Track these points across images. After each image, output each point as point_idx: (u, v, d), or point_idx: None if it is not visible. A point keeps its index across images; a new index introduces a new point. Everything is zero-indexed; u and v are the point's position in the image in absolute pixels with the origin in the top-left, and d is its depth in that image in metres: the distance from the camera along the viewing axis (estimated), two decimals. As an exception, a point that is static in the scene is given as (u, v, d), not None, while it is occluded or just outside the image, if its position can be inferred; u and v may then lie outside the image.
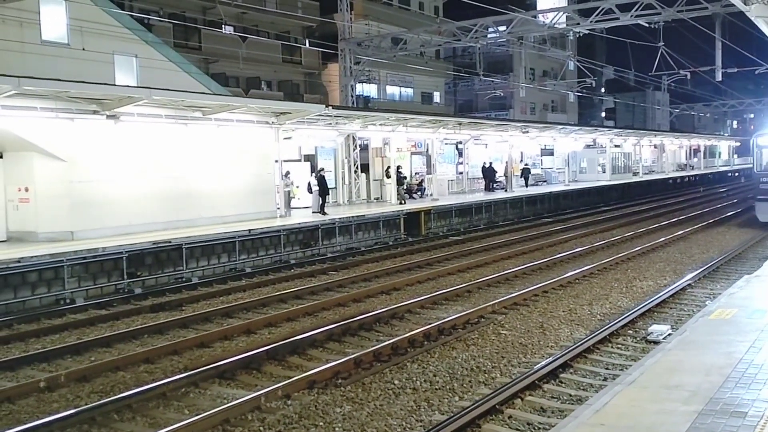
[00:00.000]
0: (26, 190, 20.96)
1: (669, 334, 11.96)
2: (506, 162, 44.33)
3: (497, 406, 9.36)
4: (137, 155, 22.45)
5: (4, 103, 18.65)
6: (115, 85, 26.19)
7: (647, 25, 32.31)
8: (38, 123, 19.96)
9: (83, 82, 20.63)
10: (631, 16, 31.87)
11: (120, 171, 21.94)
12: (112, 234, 20.88)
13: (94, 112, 20.98)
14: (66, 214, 20.77)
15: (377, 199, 36.66)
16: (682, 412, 6.17)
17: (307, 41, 45.88)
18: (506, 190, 42.51)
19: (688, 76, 45.31)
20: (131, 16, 32.74)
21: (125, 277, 19.00)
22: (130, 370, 11.85)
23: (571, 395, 9.90)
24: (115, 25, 29.72)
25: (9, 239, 21.07)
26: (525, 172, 48.32)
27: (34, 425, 9.06)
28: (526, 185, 47.33)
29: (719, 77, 35.71)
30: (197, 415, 9.34)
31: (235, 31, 35.30)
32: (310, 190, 29.59)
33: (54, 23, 27.70)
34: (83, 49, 27.05)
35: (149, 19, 37.33)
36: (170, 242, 20.38)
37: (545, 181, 51.48)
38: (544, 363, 11.12)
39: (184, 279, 20.24)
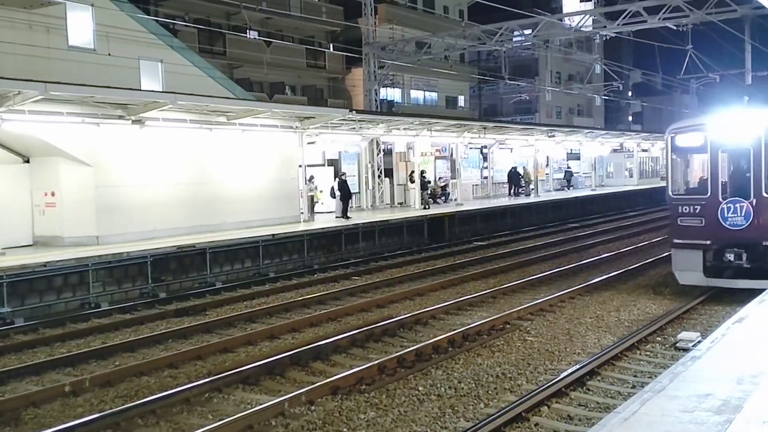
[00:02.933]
0: (52, 194, 21.12)
1: (699, 341, 11.73)
2: (523, 167, 44.00)
3: (523, 414, 9.22)
4: (162, 160, 22.54)
5: (32, 109, 18.80)
6: (140, 90, 26.34)
7: (675, 27, 31.78)
8: (64, 128, 20.11)
9: (109, 87, 20.77)
10: (659, 18, 31.39)
11: (145, 176, 22.04)
12: (136, 239, 20.97)
13: (120, 117, 21.10)
14: (91, 218, 20.89)
15: (401, 203, 36.55)
16: (714, 422, 6.00)
17: (331, 46, 45.93)
18: (528, 195, 42.22)
19: (718, 80, 44.70)
20: (156, 21, 32.96)
21: (150, 281, 19.06)
22: (154, 374, 11.85)
23: (598, 403, 9.73)
24: (140, 31, 29.91)
25: (35, 243, 21.24)
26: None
27: (59, 429, 9.08)
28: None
29: (749, 80, 35.17)
30: (221, 420, 9.30)
31: (259, 36, 35.41)
32: (333, 195, 29.57)
33: (80, 29, 27.93)
34: (109, 55, 27.25)
35: (174, 24, 37.55)
36: (194, 247, 20.43)
37: (572, 186, 51.15)
38: (571, 370, 10.95)
39: (208, 284, 20.27)
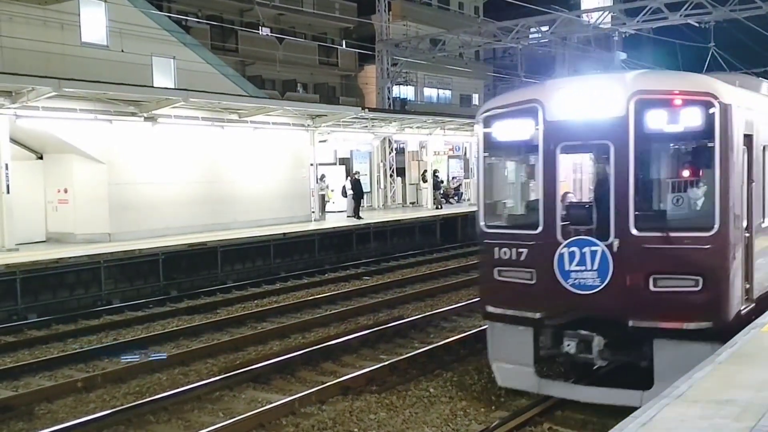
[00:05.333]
0: (65, 191, 21.18)
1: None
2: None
3: (536, 418, 9.16)
4: (174, 158, 22.56)
5: (45, 105, 18.87)
6: (153, 87, 26.38)
7: (697, 25, 31.33)
8: (78, 125, 20.17)
9: (122, 84, 20.82)
10: (681, 15, 30.95)
11: (157, 173, 22.07)
12: (148, 236, 21.00)
13: (132, 114, 21.14)
14: (104, 215, 20.94)
15: (413, 203, 36.49)
16: (734, 429, 5.91)
17: (344, 42, 45.90)
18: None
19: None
20: (169, 17, 33.01)
21: (161, 279, 19.07)
22: (166, 372, 11.85)
23: (614, 407, 9.64)
24: (153, 27, 29.96)
25: (48, 240, 21.32)
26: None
27: (72, 425, 9.12)
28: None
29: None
30: (231, 418, 9.29)
31: (271, 33, 35.41)
32: (344, 194, 29.54)
33: (94, 25, 28.01)
34: (122, 51, 27.30)
35: (187, 20, 37.60)
36: (206, 245, 20.44)
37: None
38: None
39: (219, 282, 20.27)
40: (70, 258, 17.48)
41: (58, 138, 20.11)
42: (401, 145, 36.56)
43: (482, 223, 10.16)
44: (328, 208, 28.89)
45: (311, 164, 27.51)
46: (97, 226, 20.84)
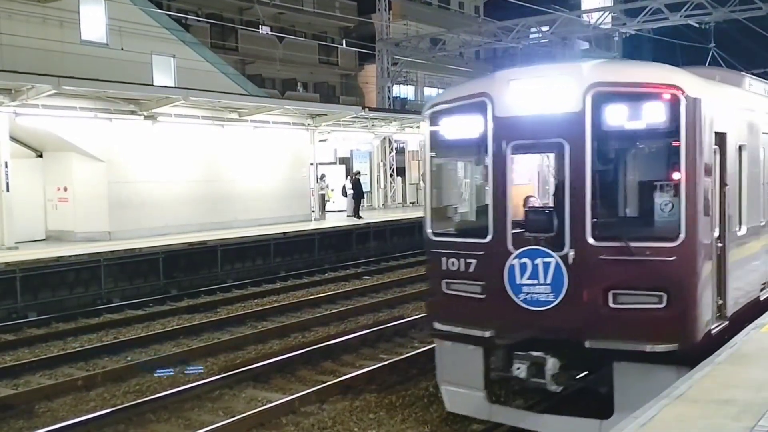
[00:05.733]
0: (65, 189, 21.19)
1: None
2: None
3: (536, 416, 9.13)
4: (174, 156, 22.57)
5: (45, 103, 18.87)
6: (153, 85, 26.38)
7: (697, 25, 31.26)
8: (77, 123, 20.18)
9: (122, 82, 20.82)
10: (681, 16, 30.90)
11: (157, 172, 22.07)
12: (148, 235, 21.01)
13: (132, 113, 21.14)
14: (104, 214, 20.94)
15: (413, 203, 36.50)
16: (733, 429, 5.93)
17: (344, 42, 45.86)
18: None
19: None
20: (169, 16, 32.99)
21: (161, 278, 19.07)
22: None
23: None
24: (153, 26, 29.94)
25: (48, 238, 21.32)
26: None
27: (72, 423, 9.14)
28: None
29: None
30: (232, 417, 9.30)
31: (272, 32, 35.38)
32: (345, 194, 29.54)
33: (93, 23, 27.99)
34: (122, 50, 27.28)
35: (186, 19, 37.58)
36: (206, 244, 20.45)
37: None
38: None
39: (219, 281, 20.28)
40: (70, 256, 17.49)
41: (58, 136, 20.12)
42: (401, 145, 36.55)
43: (429, 231, 9.21)
44: (328, 207, 28.89)
45: (311, 163, 27.53)
46: (97, 225, 20.85)
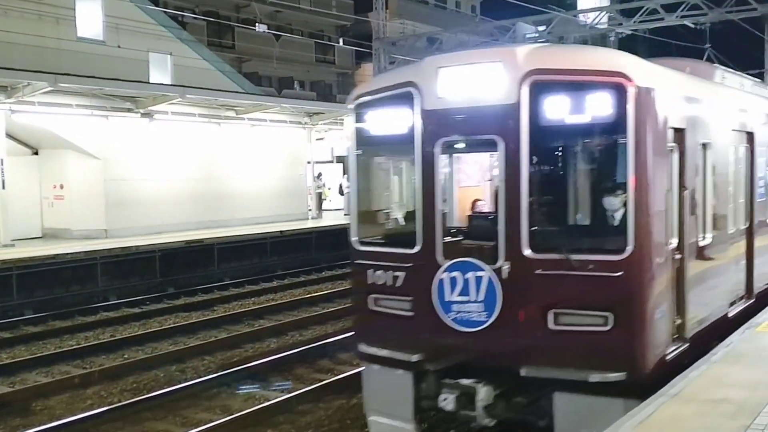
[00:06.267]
0: (61, 187, 21.17)
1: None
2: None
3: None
4: (171, 154, 22.54)
5: (41, 100, 18.83)
6: (149, 83, 26.34)
7: (693, 26, 31.33)
8: (73, 121, 20.14)
9: (118, 79, 20.79)
10: (677, 16, 30.95)
11: (154, 170, 22.04)
12: (145, 233, 20.99)
13: (129, 110, 21.12)
14: (100, 212, 20.92)
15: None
16: (729, 427, 5.96)
17: (340, 40, 45.86)
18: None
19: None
20: (166, 13, 32.94)
21: (158, 276, 19.06)
22: (162, 369, 11.85)
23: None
24: (150, 23, 29.89)
25: (44, 236, 21.30)
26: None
27: (68, 421, 9.15)
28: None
29: (768, 81, 34.85)
30: (229, 415, 9.30)
31: (268, 30, 35.34)
32: (341, 192, 29.55)
33: (90, 20, 27.92)
34: (118, 47, 27.23)
35: (183, 16, 37.53)
36: (203, 242, 20.44)
37: None
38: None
39: (215, 279, 20.27)
40: (66, 254, 17.48)
41: (54, 133, 20.08)
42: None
43: (354, 239, 8.07)
44: (325, 206, 28.89)
45: (308, 162, 27.51)
46: (93, 222, 20.82)
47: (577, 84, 6.79)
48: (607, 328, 6.70)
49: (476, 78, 7.13)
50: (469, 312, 7.08)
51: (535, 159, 6.99)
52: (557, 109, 6.82)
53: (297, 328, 14.55)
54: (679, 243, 7.53)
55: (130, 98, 20.95)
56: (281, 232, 22.92)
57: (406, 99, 7.44)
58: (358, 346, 8.01)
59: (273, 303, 17.04)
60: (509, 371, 6.92)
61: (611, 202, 7.02)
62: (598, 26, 36.28)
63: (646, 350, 6.86)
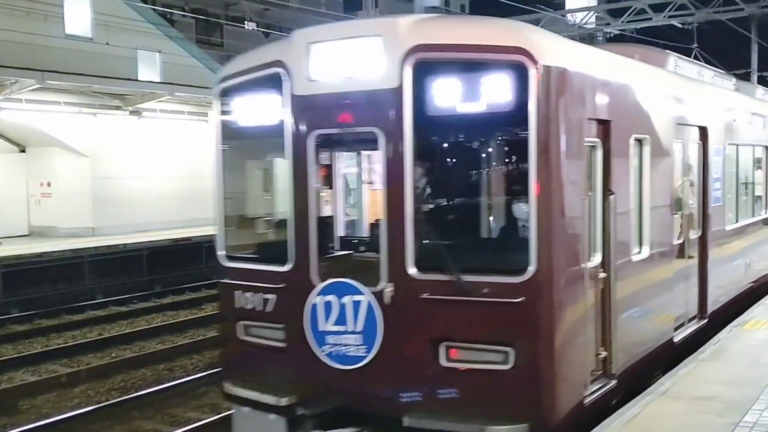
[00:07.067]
0: (48, 185, 21.04)
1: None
2: None
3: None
4: (159, 152, 22.45)
5: (29, 98, 18.71)
6: (138, 80, 26.17)
7: (681, 26, 31.60)
8: (61, 118, 20.03)
9: (107, 77, 20.66)
10: (664, 16, 31.20)
11: (142, 168, 21.94)
12: (132, 231, 20.87)
13: (117, 108, 21.01)
14: (87, 209, 20.81)
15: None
16: (718, 425, 5.98)
17: (329, 39, 45.77)
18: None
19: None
20: (154, 10, 32.77)
21: (145, 274, 18.97)
22: (150, 367, 11.79)
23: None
24: (138, 20, 29.71)
25: (30, 234, 21.15)
26: None
27: (56, 420, 9.12)
28: None
29: (755, 80, 35.13)
30: (218, 414, 9.26)
31: (257, 28, 35.24)
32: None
33: (78, 17, 27.72)
34: (107, 44, 27.05)
35: (172, 14, 37.36)
36: (190, 240, 20.35)
37: None
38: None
39: (204, 277, 20.17)
40: (53, 252, 17.37)
41: (42, 131, 19.95)
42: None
43: (221, 253, 6.77)
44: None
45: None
46: (81, 220, 20.71)
47: (469, 63, 5.48)
48: (507, 367, 5.44)
49: (353, 56, 5.81)
50: (345, 345, 5.82)
51: (421, 157, 5.80)
52: (447, 95, 5.55)
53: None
54: (603, 259, 6.32)
55: (118, 96, 20.85)
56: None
57: (274, 82, 6.17)
58: (224, 385, 6.63)
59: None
60: (392, 420, 5.59)
61: (515, 211, 5.94)
62: (586, 26, 36.50)
63: (555, 394, 5.55)
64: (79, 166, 20.72)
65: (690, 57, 14.48)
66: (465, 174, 6.41)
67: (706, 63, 15.01)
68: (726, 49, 40.58)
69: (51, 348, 12.97)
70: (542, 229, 5.37)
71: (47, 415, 9.49)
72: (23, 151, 21.57)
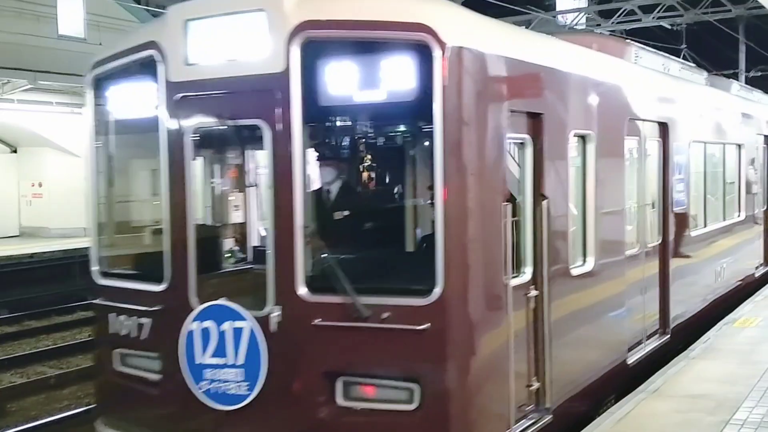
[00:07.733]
0: (40, 185, 20.96)
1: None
2: None
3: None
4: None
5: (20, 98, 18.65)
6: (130, 81, 26.12)
7: (670, 27, 31.88)
8: (53, 118, 19.96)
9: (99, 77, 20.58)
10: (654, 17, 31.48)
11: (133, 168, 21.88)
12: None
13: (109, 108, 20.96)
14: (79, 210, 20.69)
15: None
16: (709, 422, 5.95)
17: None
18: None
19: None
20: (147, 11, 32.68)
21: (137, 274, 18.89)
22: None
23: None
24: (132, 21, 29.63)
25: (21, 234, 21.06)
26: None
27: (44, 422, 9.02)
28: None
29: (743, 81, 35.30)
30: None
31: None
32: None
33: (71, 18, 27.63)
34: (100, 45, 26.95)
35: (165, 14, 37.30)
36: (183, 240, 20.30)
37: None
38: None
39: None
40: (44, 253, 17.29)
41: (33, 131, 19.89)
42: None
43: (95, 269, 5.89)
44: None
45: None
46: (72, 221, 20.59)
47: (365, 43, 4.65)
48: (412, 407, 4.62)
49: (235, 34, 4.95)
50: (225, 381, 4.93)
51: (313, 155, 5.10)
52: (341, 81, 4.69)
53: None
54: (534, 274, 5.51)
55: (110, 96, 20.79)
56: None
57: (148, 67, 5.32)
58: (96, 425, 5.75)
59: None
60: None
61: (420, 220, 5.26)
62: (576, 27, 36.71)
63: None
64: (71, 166, 20.62)
65: (679, 57, 13.86)
66: (364, 176, 5.70)
67: (695, 63, 14.27)
68: (715, 50, 40.86)
69: (40, 349, 12.87)
70: (451, 242, 4.51)
71: (36, 417, 9.39)
72: (15, 151, 21.49)
